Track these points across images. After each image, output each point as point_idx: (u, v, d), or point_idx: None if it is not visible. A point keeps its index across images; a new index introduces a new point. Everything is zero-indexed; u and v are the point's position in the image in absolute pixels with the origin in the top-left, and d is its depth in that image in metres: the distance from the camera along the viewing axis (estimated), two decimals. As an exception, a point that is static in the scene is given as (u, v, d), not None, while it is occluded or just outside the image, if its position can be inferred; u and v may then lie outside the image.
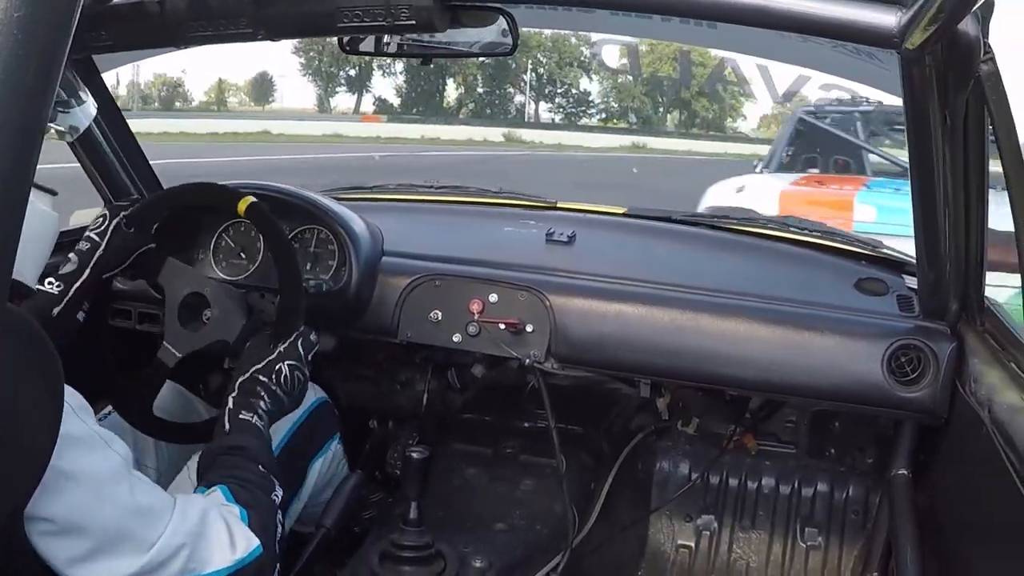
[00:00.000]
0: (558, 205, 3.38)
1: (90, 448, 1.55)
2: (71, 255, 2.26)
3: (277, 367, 2.15)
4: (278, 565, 1.86)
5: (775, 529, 2.95)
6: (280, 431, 2.35)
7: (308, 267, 2.67)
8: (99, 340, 2.39)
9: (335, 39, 2.30)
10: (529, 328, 2.64)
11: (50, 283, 2.17)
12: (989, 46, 1.77)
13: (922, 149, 2.07)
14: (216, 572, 1.67)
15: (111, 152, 2.86)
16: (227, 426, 2.04)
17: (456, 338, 2.67)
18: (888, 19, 1.80)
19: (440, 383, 3.09)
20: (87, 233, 2.28)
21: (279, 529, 1.88)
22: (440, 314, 2.68)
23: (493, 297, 2.66)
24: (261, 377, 2.13)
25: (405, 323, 2.71)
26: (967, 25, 1.71)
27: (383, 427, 3.07)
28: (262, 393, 2.12)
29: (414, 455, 2.20)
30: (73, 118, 2.59)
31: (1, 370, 1.24)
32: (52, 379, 1.39)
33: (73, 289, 2.20)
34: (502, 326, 2.64)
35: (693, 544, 2.99)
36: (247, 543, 1.74)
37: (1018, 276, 1.99)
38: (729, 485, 2.99)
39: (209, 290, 2.35)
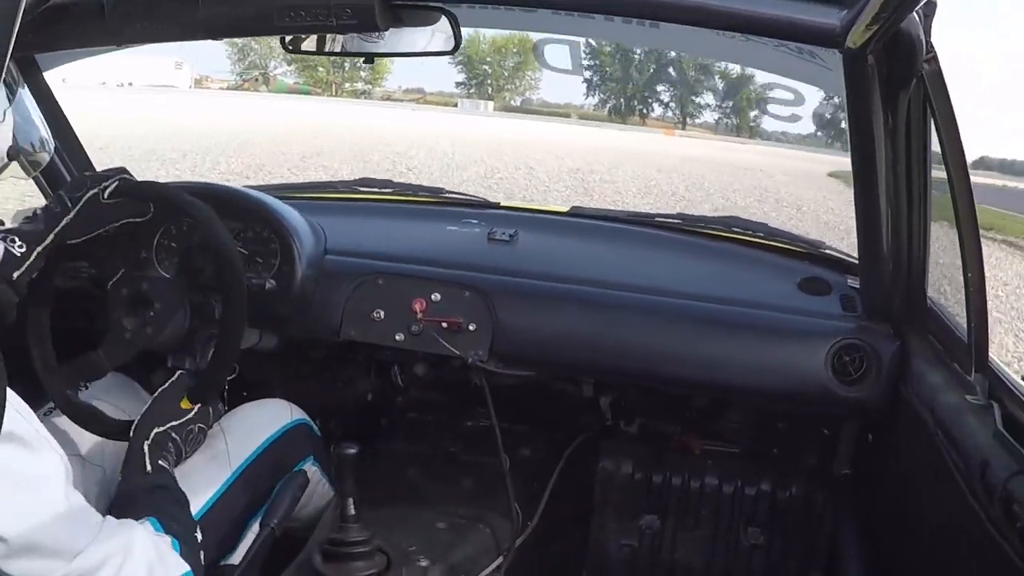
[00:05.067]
0: (501, 204, 3.37)
1: (31, 449, 1.52)
2: (38, 212, 2.17)
3: (189, 428, 2.17)
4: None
5: (718, 528, 2.95)
6: (247, 450, 2.34)
7: (251, 266, 2.63)
8: (41, 307, 2.33)
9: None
10: (471, 327, 2.63)
11: (12, 241, 2.07)
12: (932, 46, 1.77)
13: (864, 148, 2.08)
14: None
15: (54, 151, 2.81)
16: (148, 467, 2.04)
17: (399, 337, 2.66)
18: (831, 18, 1.80)
19: (383, 382, 3.06)
20: (60, 193, 2.20)
21: (200, 551, 1.90)
22: (383, 313, 2.67)
23: (436, 296, 2.65)
24: (174, 435, 2.13)
25: (348, 322, 2.69)
26: (910, 24, 1.72)
27: (326, 426, 3.04)
28: (171, 448, 2.12)
29: (345, 451, 2.18)
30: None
31: None
32: None
33: (35, 253, 2.10)
34: (444, 325, 2.63)
35: (636, 543, 2.98)
36: (178, 568, 1.75)
37: None
38: (672, 484, 2.98)
39: (148, 286, 2.35)
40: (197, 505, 2.15)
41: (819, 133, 67.76)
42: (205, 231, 2.30)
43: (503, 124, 42.23)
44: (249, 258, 2.62)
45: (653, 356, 2.60)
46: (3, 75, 0.93)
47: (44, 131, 2.09)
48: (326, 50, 2.38)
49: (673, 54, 61.83)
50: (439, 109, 57.49)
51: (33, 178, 2.73)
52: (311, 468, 2.48)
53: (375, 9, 1.92)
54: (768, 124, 72.85)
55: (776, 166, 35.48)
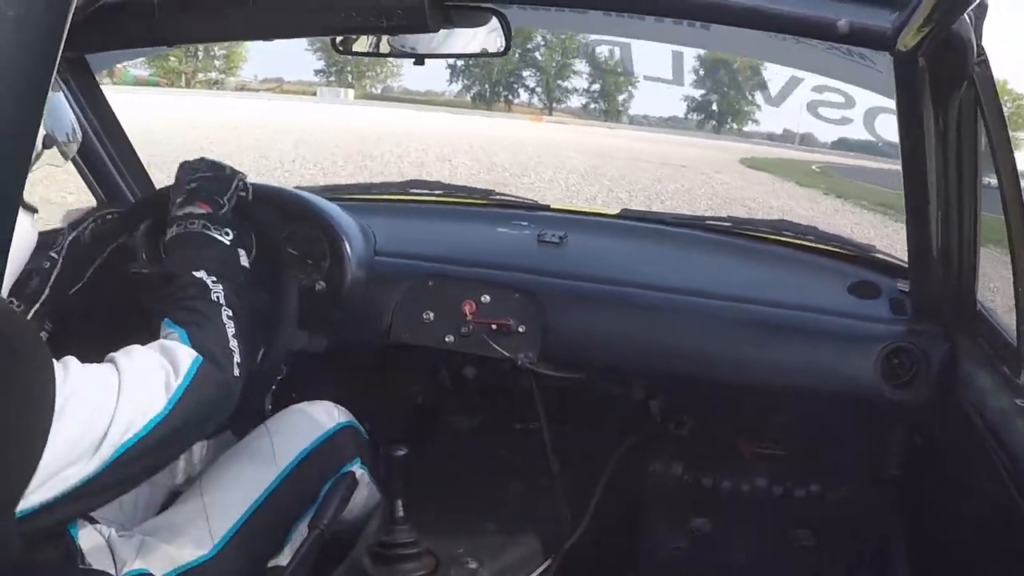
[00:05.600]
0: (551, 206, 3.38)
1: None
2: (32, 271, 2.24)
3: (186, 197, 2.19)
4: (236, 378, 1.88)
5: (768, 530, 2.94)
6: (293, 450, 2.35)
7: (301, 267, 2.66)
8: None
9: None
10: (521, 329, 2.64)
11: (11, 302, 2.14)
12: (982, 48, 1.77)
13: (914, 152, 2.07)
14: (158, 416, 1.66)
15: (104, 153, 2.86)
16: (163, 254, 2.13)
17: (449, 339, 2.68)
18: (882, 21, 1.80)
19: (433, 384, 3.08)
20: (50, 252, 2.27)
21: (229, 329, 1.92)
22: (432, 315, 2.69)
23: (485, 298, 2.67)
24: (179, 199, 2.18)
25: (398, 324, 2.71)
26: (961, 27, 1.71)
27: (375, 428, 3.07)
28: (183, 202, 2.17)
29: (394, 453, 2.20)
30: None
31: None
32: (40, 383, 1.40)
33: (32, 311, 2.19)
34: (494, 327, 2.64)
35: (686, 545, 2.97)
36: (186, 360, 1.76)
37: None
38: (722, 487, 2.98)
39: None
40: (244, 505, 2.19)
41: (690, 116, 66.30)
42: (256, 231, 2.33)
43: (363, 113, 41.04)
44: (299, 259, 2.65)
45: (703, 359, 2.60)
46: (54, 75, 0.95)
47: (73, 120, 2.14)
48: (377, 51, 2.39)
49: (540, 38, 61.07)
50: (296, 98, 55.20)
51: (87, 183, 2.80)
52: (358, 470, 2.49)
53: (425, 10, 1.93)
54: (635, 107, 71.27)
55: (682, 155, 34.65)
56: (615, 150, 32.51)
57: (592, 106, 70.36)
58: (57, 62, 0.94)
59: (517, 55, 61.82)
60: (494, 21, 2.11)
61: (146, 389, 1.66)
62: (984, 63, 1.77)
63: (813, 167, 35.70)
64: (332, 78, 64.21)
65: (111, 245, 2.39)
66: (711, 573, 2.96)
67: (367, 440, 2.62)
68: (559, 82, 68.80)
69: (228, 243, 2.13)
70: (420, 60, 2.37)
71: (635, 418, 3.03)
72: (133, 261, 2.47)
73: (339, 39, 2.31)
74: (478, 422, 3.06)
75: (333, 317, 2.70)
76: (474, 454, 2.88)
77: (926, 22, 1.63)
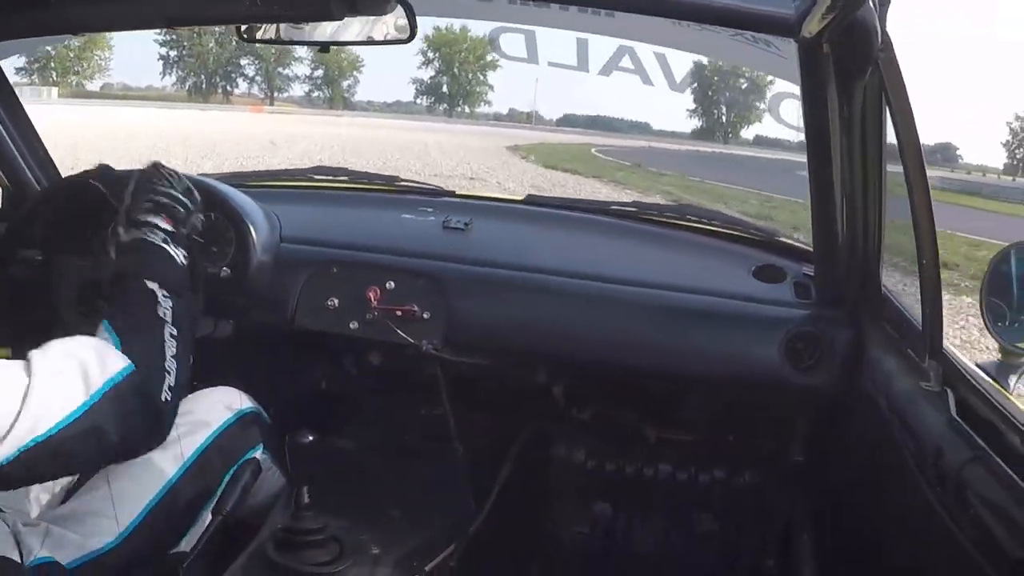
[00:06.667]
0: (455, 192, 3.36)
1: None
2: None
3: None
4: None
5: (672, 516, 2.97)
6: (197, 439, 2.31)
7: (206, 254, 2.60)
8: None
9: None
10: (426, 315, 2.64)
11: None
12: (887, 34, 1.78)
13: (819, 137, 2.09)
14: (70, 416, 1.63)
15: (8, 140, 2.80)
16: (112, 253, 2.06)
17: (353, 325, 2.67)
18: (786, 7, 1.80)
19: (337, 370, 3.05)
20: None
21: (167, 346, 1.87)
22: (337, 301, 2.68)
23: (390, 284, 2.66)
24: (139, 195, 2.13)
25: (302, 310, 2.70)
26: (865, 13, 1.72)
27: (280, 415, 3.02)
28: (144, 201, 2.11)
29: (300, 440, 2.17)
30: None
31: None
32: None
33: None
34: (399, 313, 2.63)
35: (589, 530, 2.99)
36: (114, 366, 1.72)
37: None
38: (626, 472, 2.99)
39: (99, 273, 2.31)
40: (151, 493, 2.15)
41: (419, 100, 67.11)
42: None
43: (68, 112, 36.60)
44: (204, 246, 2.59)
45: (606, 344, 2.61)
46: None
47: None
48: (281, 39, 2.35)
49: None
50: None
51: None
52: (261, 456, 2.46)
53: None
54: (360, 94, 70.93)
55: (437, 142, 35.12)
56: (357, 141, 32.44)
57: (316, 94, 69.17)
58: None
59: (235, 43, 58.75)
60: (399, 8, 2.08)
61: (60, 389, 1.62)
62: (889, 49, 1.78)
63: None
64: (35, 76, 58.24)
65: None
66: (615, 557, 2.98)
67: (270, 425, 2.58)
68: (280, 70, 67.04)
69: (184, 265, 2.09)
70: (325, 48, 2.34)
71: (539, 403, 3.02)
72: (23, 247, 2.40)
73: (243, 27, 2.27)
74: (383, 408, 3.03)
75: (238, 303, 2.68)
76: (379, 440, 2.86)
77: (830, 8, 1.64)
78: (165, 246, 2.06)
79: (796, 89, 2.07)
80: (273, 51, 58.52)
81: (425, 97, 67.02)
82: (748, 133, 62.58)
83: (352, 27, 2.20)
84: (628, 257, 2.88)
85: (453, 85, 63.84)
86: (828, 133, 2.05)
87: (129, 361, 1.74)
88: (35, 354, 1.65)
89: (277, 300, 2.70)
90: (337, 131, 36.88)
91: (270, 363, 3.03)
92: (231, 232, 2.67)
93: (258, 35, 2.32)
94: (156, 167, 2.23)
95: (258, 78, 66.90)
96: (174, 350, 1.87)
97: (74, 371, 1.66)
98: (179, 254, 2.08)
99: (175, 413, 1.88)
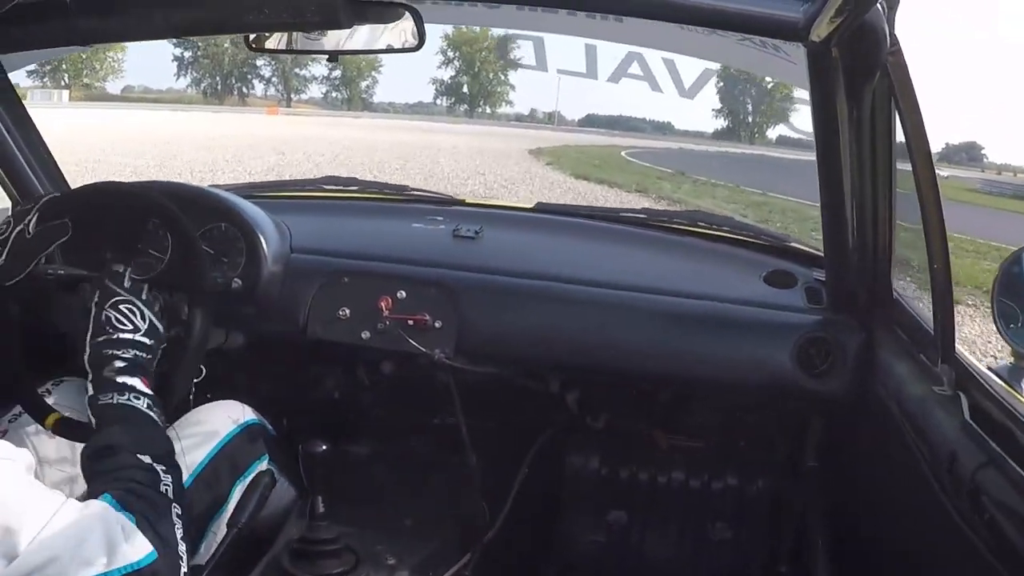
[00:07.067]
0: (465, 201, 3.37)
1: None
2: None
3: (104, 318, 2.09)
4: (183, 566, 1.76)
5: (686, 523, 2.96)
6: (202, 452, 2.31)
7: (217, 265, 2.62)
8: (6, 337, 2.31)
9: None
10: (437, 324, 2.63)
11: None
12: (896, 38, 1.77)
13: (828, 142, 2.08)
14: None
15: (17, 151, 2.79)
16: (93, 421, 1.97)
17: (365, 335, 2.66)
18: (793, 12, 1.80)
19: (350, 380, 3.05)
20: None
21: (177, 528, 1.78)
22: (349, 311, 2.67)
23: (401, 294, 2.65)
24: (98, 339, 2.06)
25: (314, 320, 2.69)
26: (873, 17, 1.71)
27: (293, 425, 3.02)
28: (110, 354, 2.04)
29: (313, 450, 2.17)
30: None
31: None
32: None
33: None
34: (410, 322, 2.63)
35: (604, 538, 2.98)
36: (137, 551, 1.64)
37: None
38: (639, 479, 2.98)
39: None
40: None
41: (439, 101, 66.20)
42: (170, 230, 2.29)
43: (79, 115, 35.72)
44: (215, 257, 2.61)
45: (618, 351, 2.61)
46: None
47: None
48: (290, 48, 2.36)
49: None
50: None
51: (2, 185, 2.73)
52: (266, 467, 2.44)
53: (339, 6, 1.90)
54: (380, 95, 69.72)
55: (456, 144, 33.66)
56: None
57: (334, 95, 68.00)
58: None
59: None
60: (407, 16, 2.09)
61: (78, 546, 1.57)
62: (897, 52, 1.78)
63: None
64: (46, 79, 57.17)
65: (56, 241, 2.31)
66: (629, 565, 2.97)
67: (274, 436, 2.58)
68: (296, 71, 65.86)
69: (163, 425, 2.03)
70: (333, 57, 2.35)
71: (552, 412, 3.02)
72: (50, 263, 2.40)
73: (252, 37, 2.28)
74: (396, 418, 3.04)
75: (249, 314, 2.67)
76: (392, 450, 2.87)
77: (838, 12, 1.63)
78: (150, 412, 2.00)
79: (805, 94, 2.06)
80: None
81: (445, 98, 66.48)
82: (773, 133, 61.94)
83: (361, 35, 2.20)
84: (639, 264, 2.88)
85: (474, 85, 63.36)
86: (837, 137, 2.04)
87: (153, 548, 1.66)
88: (71, 501, 1.61)
89: (288, 310, 2.70)
90: (341, 134, 36.17)
91: (282, 373, 3.04)
92: (241, 243, 2.66)
93: (267, 44, 2.33)
94: (107, 284, 2.17)
95: (274, 79, 66.17)
96: (181, 531, 1.79)
97: (96, 536, 1.60)
98: (160, 418, 2.03)
99: None
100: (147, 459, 1.84)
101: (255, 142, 29.18)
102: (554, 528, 2.99)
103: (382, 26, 2.14)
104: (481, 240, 2.92)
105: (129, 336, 2.09)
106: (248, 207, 2.75)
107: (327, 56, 2.35)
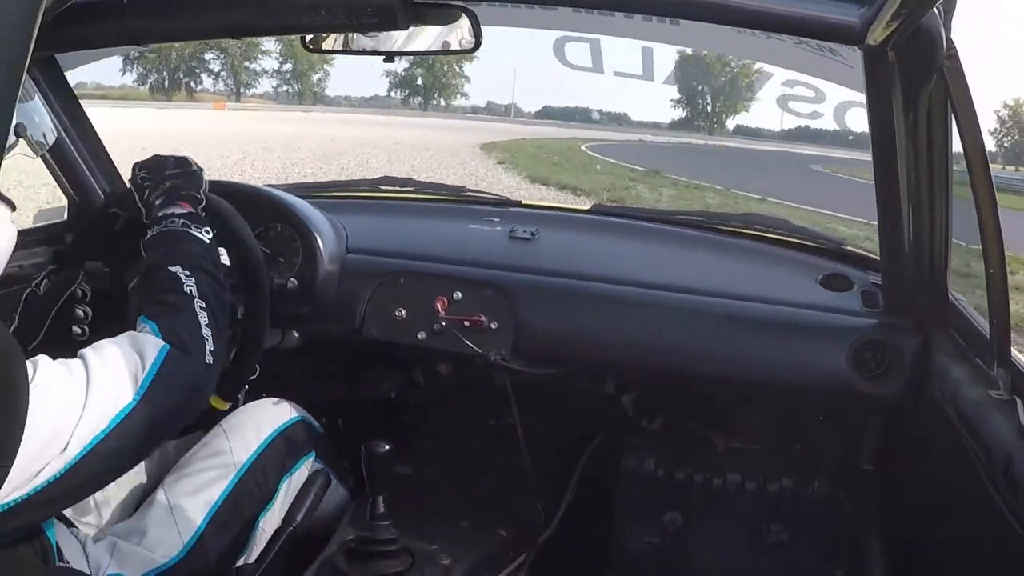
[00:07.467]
0: (521, 202, 3.38)
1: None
2: None
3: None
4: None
5: (741, 525, 2.94)
6: (249, 448, 2.34)
7: (273, 264, 2.65)
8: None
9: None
10: (493, 325, 2.65)
11: None
12: (952, 41, 1.77)
13: (884, 145, 2.07)
14: (126, 408, 1.66)
15: (74, 150, 2.83)
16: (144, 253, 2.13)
17: (421, 335, 2.68)
18: (850, 15, 1.80)
19: (406, 380, 3.07)
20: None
21: (201, 318, 1.94)
22: (405, 311, 2.69)
23: (457, 295, 2.67)
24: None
25: (370, 320, 2.71)
26: (930, 20, 1.71)
27: (349, 425, 3.05)
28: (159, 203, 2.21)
29: (376, 449, 2.19)
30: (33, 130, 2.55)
31: None
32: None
33: None
34: (466, 323, 2.65)
35: (659, 540, 2.97)
36: (154, 351, 1.77)
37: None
38: (695, 481, 2.98)
39: None
40: (207, 506, 2.19)
41: (392, 94, 64.12)
42: (227, 230, 2.33)
43: None
44: (271, 257, 2.64)
45: (675, 353, 2.61)
46: (24, 76, 0.93)
47: (46, 119, 2.25)
48: (347, 49, 2.38)
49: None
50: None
51: (56, 179, 2.78)
52: (313, 464, 2.49)
53: (396, 8, 1.92)
54: (331, 89, 66.83)
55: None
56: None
57: (285, 88, 65.06)
58: (28, 61, 0.93)
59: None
60: (463, 18, 2.10)
61: (114, 382, 1.66)
62: (954, 56, 1.77)
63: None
64: None
65: (63, 296, 2.40)
66: (684, 567, 2.97)
67: (321, 434, 2.61)
68: (246, 64, 62.24)
69: (208, 240, 2.15)
70: (389, 58, 2.37)
71: (608, 413, 3.03)
72: (89, 260, 2.46)
73: (309, 37, 2.30)
74: (451, 418, 3.06)
75: (305, 314, 2.69)
76: (448, 450, 2.88)
77: (895, 16, 1.63)
78: (186, 229, 2.13)
79: (861, 97, 2.06)
80: (239, 45, 55.94)
81: (399, 90, 64.82)
82: (731, 123, 59.33)
83: (418, 37, 2.22)
84: (695, 267, 2.88)
85: (428, 78, 61.80)
86: (893, 141, 2.04)
87: (164, 342, 1.79)
88: (88, 352, 1.69)
89: (344, 310, 2.73)
90: (276, 129, 33.73)
91: (337, 373, 3.06)
92: (297, 243, 2.70)
93: (324, 45, 2.36)
94: (136, 169, 2.31)
95: (223, 74, 63.05)
96: (207, 319, 1.93)
97: (124, 363, 1.70)
98: (202, 231, 2.15)
99: (216, 376, 1.95)
100: (175, 268, 2.01)
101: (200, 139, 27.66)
102: (609, 529, 2.99)
103: (439, 27, 2.16)
104: (537, 242, 2.92)
105: (162, 176, 2.27)
106: (304, 207, 2.78)
107: (384, 58, 2.36)
